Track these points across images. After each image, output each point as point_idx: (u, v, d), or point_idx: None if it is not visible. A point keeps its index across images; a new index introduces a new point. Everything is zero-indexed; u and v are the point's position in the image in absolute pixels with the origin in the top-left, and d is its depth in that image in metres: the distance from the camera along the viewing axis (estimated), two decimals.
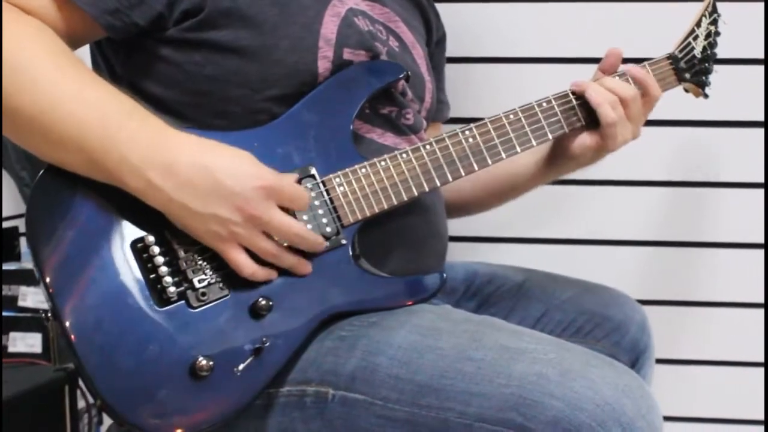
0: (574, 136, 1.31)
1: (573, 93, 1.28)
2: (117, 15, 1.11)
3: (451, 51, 1.60)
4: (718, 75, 1.40)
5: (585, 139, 1.30)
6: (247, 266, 1.08)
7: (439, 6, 1.53)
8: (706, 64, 1.39)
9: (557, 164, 1.38)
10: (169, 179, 1.03)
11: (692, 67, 1.37)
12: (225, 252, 1.07)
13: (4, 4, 1.07)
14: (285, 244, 1.10)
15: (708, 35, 1.39)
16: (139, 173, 1.03)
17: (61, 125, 1.03)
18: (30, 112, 1.03)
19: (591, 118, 1.28)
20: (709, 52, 1.39)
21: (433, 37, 1.51)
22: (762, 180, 1.77)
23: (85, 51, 1.22)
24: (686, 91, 1.41)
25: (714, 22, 1.40)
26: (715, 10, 1.40)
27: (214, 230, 1.05)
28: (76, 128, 1.03)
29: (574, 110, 1.28)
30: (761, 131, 1.76)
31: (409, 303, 1.20)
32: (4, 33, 1.03)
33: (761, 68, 1.74)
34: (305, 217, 1.14)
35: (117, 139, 1.03)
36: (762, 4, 1.71)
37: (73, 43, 1.14)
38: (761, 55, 1.73)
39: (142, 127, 1.05)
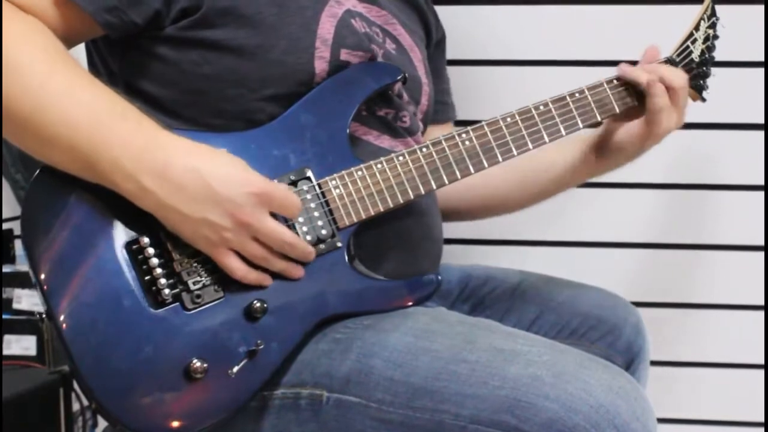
0: (616, 127, 1.34)
1: (571, 95, 1.28)
2: (115, 12, 1.11)
3: (450, 54, 1.60)
4: (719, 77, 1.40)
5: (631, 128, 1.33)
6: (238, 269, 1.08)
7: (438, 9, 1.53)
8: (704, 68, 1.38)
9: (605, 155, 1.39)
10: (161, 183, 1.03)
11: (690, 71, 1.36)
12: (216, 256, 1.07)
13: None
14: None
15: (706, 39, 1.38)
16: (131, 177, 1.04)
17: (52, 125, 1.03)
18: (22, 110, 1.04)
19: (590, 121, 1.28)
20: (707, 56, 1.38)
21: (433, 38, 1.51)
22: (762, 182, 1.77)
23: (81, 50, 1.22)
24: None
25: (712, 26, 1.39)
26: (713, 13, 1.39)
27: (205, 235, 1.06)
28: (67, 129, 1.03)
29: (572, 113, 1.27)
30: (761, 134, 1.76)
31: (404, 305, 1.20)
32: None
33: (761, 71, 1.73)
34: (301, 219, 1.13)
35: (109, 141, 1.03)
36: (762, 7, 1.71)
37: (70, 42, 1.14)
38: (761, 58, 1.73)
39: (135, 130, 1.05)
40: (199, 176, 1.04)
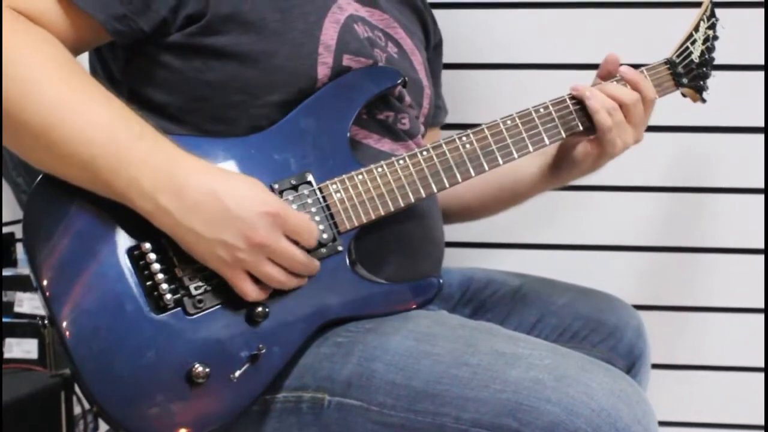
0: (575, 142, 1.32)
1: (571, 98, 1.28)
2: (124, 21, 1.11)
3: (449, 57, 1.61)
4: (719, 80, 1.40)
5: (586, 145, 1.31)
6: (251, 292, 1.07)
7: (436, 12, 1.54)
8: (704, 69, 1.39)
9: (561, 170, 1.39)
10: (177, 203, 1.03)
11: (690, 72, 1.37)
12: (230, 278, 1.07)
13: (5, 10, 1.05)
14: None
15: (706, 40, 1.39)
16: (149, 196, 1.03)
17: (67, 142, 1.02)
18: (34, 126, 1.02)
19: (590, 123, 1.28)
20: (707, 56, 1.39)
21: (431, 42, 1.51)
22: (762, 185, 1.77)
23: (82, 56, 1.22)
24: (684, 96, 1.40)
25: (712, 27, 1.39)
26: (713, 14, 1.40)
27: (219, 255, 1.05)
28: (82, 146, 1.02)
29: (572, 115, 1.28)
30: (761, 137, 1.76)
31: (406, 309, 1.20)
32: (5, 41, 1.02)
33: (761, 74, 1.73)
34: None
35: (126, 160, 1.03)
36: (762, 10, 1.71)
37: (77, 50, 1.13)
38: (761, 61, 1.73)
39: (152, 149, 1.04)
40: (215, 196, 1.04)
